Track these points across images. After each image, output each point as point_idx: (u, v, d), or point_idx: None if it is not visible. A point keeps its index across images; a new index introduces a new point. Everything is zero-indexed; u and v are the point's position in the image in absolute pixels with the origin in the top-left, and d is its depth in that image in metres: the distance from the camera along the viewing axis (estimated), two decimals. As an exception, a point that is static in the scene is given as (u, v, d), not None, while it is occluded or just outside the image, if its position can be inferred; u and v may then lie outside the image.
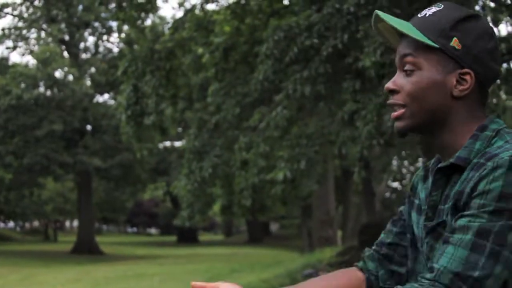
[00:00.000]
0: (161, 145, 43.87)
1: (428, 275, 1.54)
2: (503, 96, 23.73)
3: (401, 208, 1.92)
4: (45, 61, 35.31)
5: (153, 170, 46.69)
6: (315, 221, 25.58)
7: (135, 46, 16.59)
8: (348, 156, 16.79)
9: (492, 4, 19.40)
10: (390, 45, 1.82)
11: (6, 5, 35.94)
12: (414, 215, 1.83)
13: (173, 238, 59.50)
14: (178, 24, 15.02)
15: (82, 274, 24.73)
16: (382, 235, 1.92)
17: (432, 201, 1.71)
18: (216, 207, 17.79)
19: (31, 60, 64.63)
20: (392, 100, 1.73)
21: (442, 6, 1.71)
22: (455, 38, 1.65)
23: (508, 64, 22.21)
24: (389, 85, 1.73)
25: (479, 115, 1.70)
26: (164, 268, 24.89)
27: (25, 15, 36.51)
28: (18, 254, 35.76)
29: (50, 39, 37.41)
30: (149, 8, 14.99)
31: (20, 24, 36.53)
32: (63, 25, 36.49)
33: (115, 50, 37.34)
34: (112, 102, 37.66)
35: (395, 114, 1.72)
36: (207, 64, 14.19)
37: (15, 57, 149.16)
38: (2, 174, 33.99)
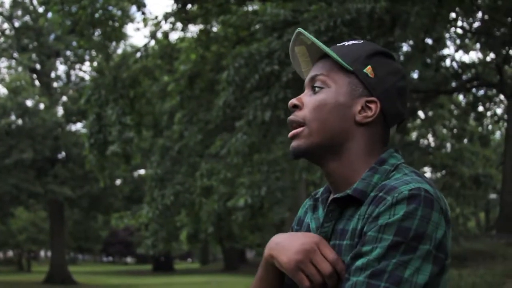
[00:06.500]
0: (135, 174, 43.66)
1: None
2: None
3: None
4: (16, 90, 35.09)
5: (128, 199, 46.38)
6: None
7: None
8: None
9: (459, 31, 19.63)
10: (298, 74, 1.77)
11: (-24, 35, 35.85)
12: None
13: (149, 267, 59.00)
14: (142, 51, 14.97)
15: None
16: None
17: (323, 233, 1.61)
18: (183, 236, 17.68)
19: (1, 89, 64.38)
20: (292, 116, 1.66)
21: (362, 41, 1.71)
22: (369, 66, 1.63)
23: (477, 90, 22.49)
24: (293, 100, 1.68)
25: (378, 149, 1.64)
26: (136, 298, 24.62)
27: (-5, 44, 36.42)
28: (-11, 286, 35.22)
29: (20, 68, 37.22)
30: (114, 37, 14.94)
31: (-10, 53, 36.42)
32: (34, 55, 36.35)
33: (87, 78, 37.13)
34: (84, 131, 37.37)
35: (292, 132, 1.64)
36: (172, 92, 14.16)
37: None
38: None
